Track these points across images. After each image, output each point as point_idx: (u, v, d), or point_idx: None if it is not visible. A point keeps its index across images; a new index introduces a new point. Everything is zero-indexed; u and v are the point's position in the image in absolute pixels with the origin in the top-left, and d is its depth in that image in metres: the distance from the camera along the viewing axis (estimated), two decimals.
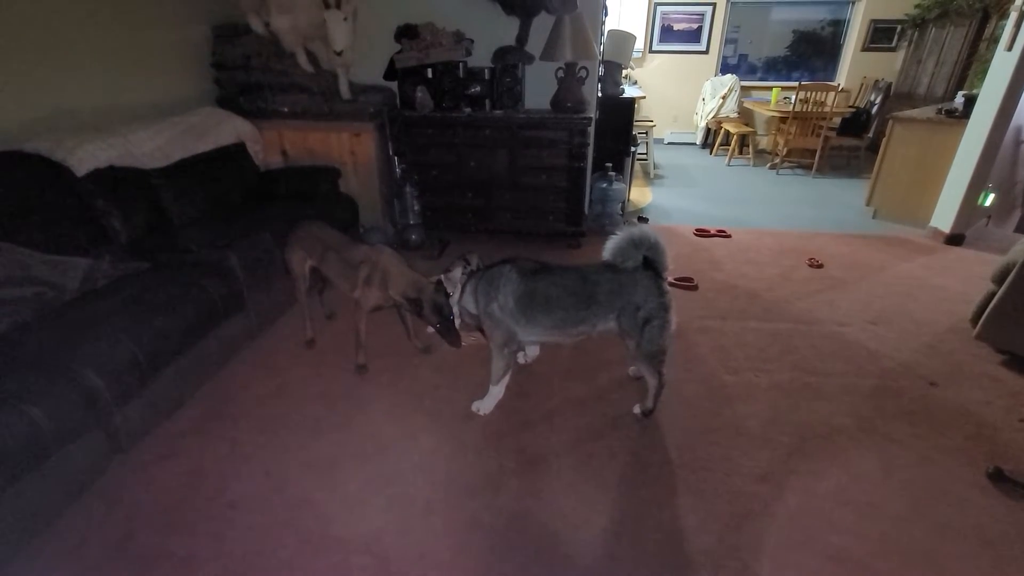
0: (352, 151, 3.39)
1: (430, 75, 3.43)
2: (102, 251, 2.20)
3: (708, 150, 7.13)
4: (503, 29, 3.49)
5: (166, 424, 1.95)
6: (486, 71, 3.45)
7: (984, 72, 3.69)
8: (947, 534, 1.56)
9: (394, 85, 3.57)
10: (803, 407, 2.09)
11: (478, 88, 3.47)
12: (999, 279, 2.35)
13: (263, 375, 2.28)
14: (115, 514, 1.61)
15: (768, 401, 2.13)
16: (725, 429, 1.98)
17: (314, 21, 3.08)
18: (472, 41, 3.49)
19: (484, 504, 1.65)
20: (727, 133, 6.66)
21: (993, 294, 2.37)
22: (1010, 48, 3.34)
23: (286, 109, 3.35)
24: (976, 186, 3.65)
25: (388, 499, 1.67)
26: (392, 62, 3.47)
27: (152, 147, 2.60)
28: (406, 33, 3.44)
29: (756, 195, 5.19)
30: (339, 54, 3.07)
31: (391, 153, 3.49)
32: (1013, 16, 3.33)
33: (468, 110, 3.45)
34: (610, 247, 1.86)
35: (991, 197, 3.76)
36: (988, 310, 2.35)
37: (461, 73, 3.43)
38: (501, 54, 3.47)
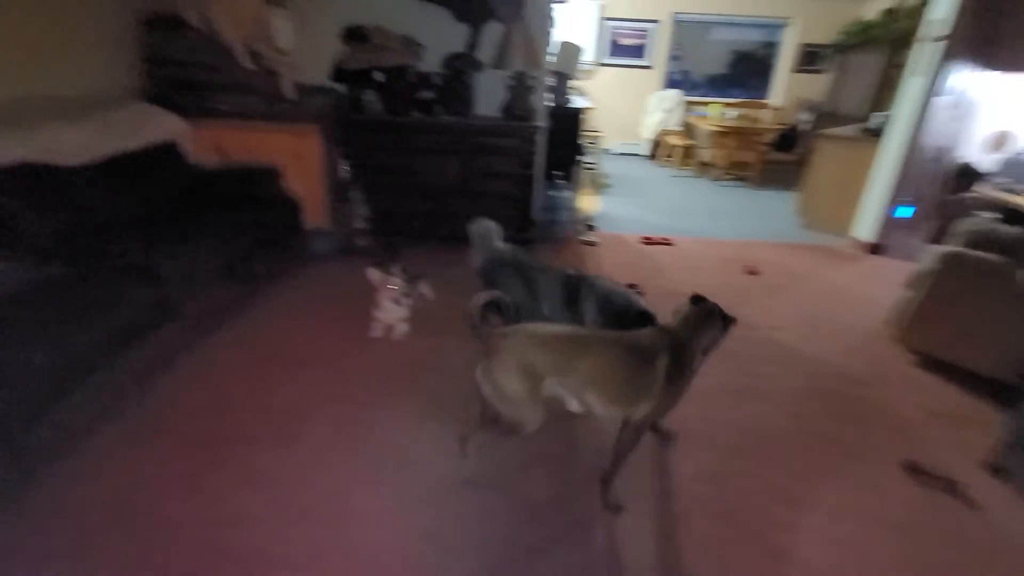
0: (296, 153, 3.28)
1: (379, 78, 3.38)
2: (15, 254, 2.00)
3: (654, 161, 7.39)
4: (454, 35, 3.49)
5: (86, 442, 1.79)
6: (437, 77, 3.43)
7: (898, 95, 4.03)
8: (872, 524, 1.67)
9: (342, 87, 3.49)
10: (742, 409, 2.19)
11: (429, 93, 3.45)
12: (911, 285, 2.56)
13: (199, 387, 2.15)
14: (27, 545, 1.46)
15: (709, 404, 2.21)
16: (678, 434, 2.03)
17: (256, 18, 2.96)
18: (423, 46, 3.47)
19: (434, 515, 1.62)
20: (672, 145, 6.93)
21: (907, 299, 2.58)
22: (918, 74, 3.67)
23: (225, 108, 3.19)
24: (891, 200, 3.96)
25: (332, 514, 1.60)
26: (339, 64, 3.39)
27: (73, 143, 2.41)
28: (354, 35, 3.38)
29: (698, 205, 5.43)
30: (283, 53, 2.96)
31: (337, 156, 3.39)
32: (918, 46, 3.66)
33: (418, 115, 3.42)
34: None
35: (912, 211, 4.10)
36: (908, 316, 2.54)
37: (411, 78, 3.40)
38: (452, 60, 3.47)
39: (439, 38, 3.48)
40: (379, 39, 3.32)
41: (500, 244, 2.38)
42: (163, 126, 2.95)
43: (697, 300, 1.73)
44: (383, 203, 3.53)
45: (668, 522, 1.63)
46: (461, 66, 3.43)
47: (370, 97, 3.34)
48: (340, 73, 3.42)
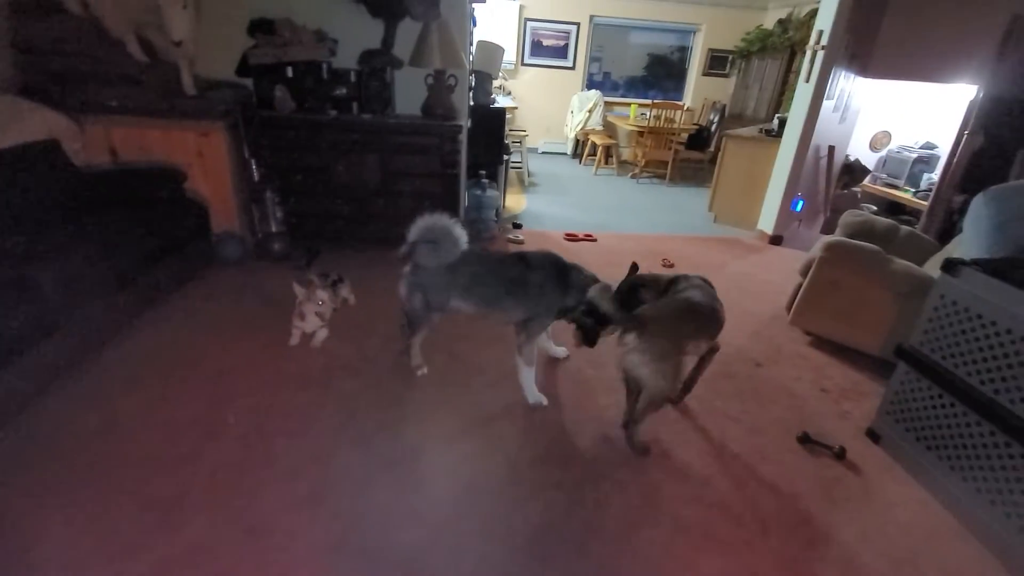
0: (200, 152, 3.06)
1: (290, 74, 3.23)
2: None
3: (578, 160, 7.60)
4: (369, 31, 3.40)
5: None
6: (352, 73, 3.34)
7: (792, 99, 4.39)
8: (770, 494, 1.81)
9: (249, 82, 3.30)
10: None
11: (344, 90, 3.34)
12: (804, 272, 2.80)
13: (88, 407, 1.96)
14: None
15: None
16: (590, 422, 2.11)
17: (146, 5, 2.74)
18: (336, 41, 3.36)
19: (352, 524, 1.58)
20: (593, 144, 7.15)
21: (801, 285, 2.82)
22: (808, 80, 4.02)
23: (115, 103, 2.93)
24: (789, 195, 4.32)
25: (243, 533, 1.52)
26: (245, 57, 3.21)
27: None
28: (261, 27, 3.21)
29: (619, 202, 5.64)
30: (178, 44, 2.76)
31: (247, 155, 3.21)
32: (808, 54, 4.00)
33: (334, 112, 3.31)
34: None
35: (801, 204, 4.48)
36: (797, 300, 2.79)
37: (325, 74, 3.28)
38: (368, 57, 3.39)
39: (353, 34, 3.38)
40: (288, 32, 3.17)
41: (465, 242, 2.07)
42: (41, 123, 2.66)
43: (635, 268, 2.18)
44: (300, 205, 3.39)
45: (590, 508, 1.69)
46: (377, 63, 3.35)
47: (281, 93, 3.19)
48: (247, 68, 3.24)
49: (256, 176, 3.24)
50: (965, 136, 3.33)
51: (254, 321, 2.62)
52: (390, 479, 1.75)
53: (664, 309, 1.88)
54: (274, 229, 3.29)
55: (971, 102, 3.36)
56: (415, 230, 2.01)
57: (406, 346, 2.29)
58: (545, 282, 2.09)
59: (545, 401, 2.16)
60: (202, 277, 3.01)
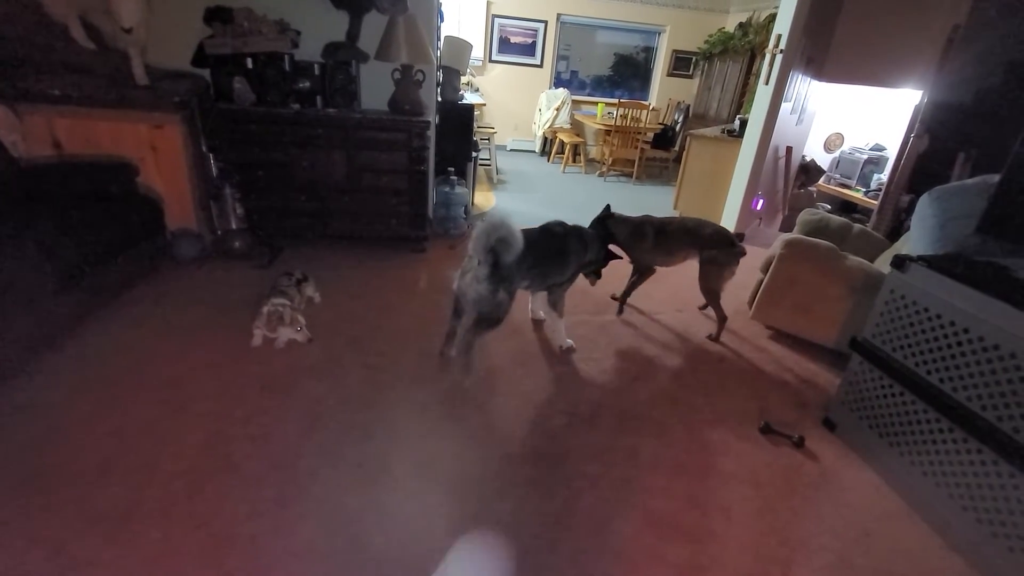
0: (153, 145, 2.92)
1: (250, 65, 3.12)
2: None
3: (546, 158, 7.63)
4: (333, 24, 3.31)
5: None
6: (316, 66, 3.24)
7: (752, 100, 4.52)
8: (732, 483, 1.86)
9: (207, 73, 3.17)
10: (625, 389, 2.34)
11: (308, 84, 3.25)
12: (764, 269, 2.90)
13: (31, 416, 1.85)
14: None
15: (596, 387, 2.34)
16: (558, 416, 2.12)
17: None
18: (299, 33, 3.26)
19: (319, 528, 1.54)
20: (561, 143, 7.19)
21: (761, 281, 2.91)
22: (767, 82, 4.14)
23: (57, 92, 2.76)
24: (750, 194, 4.45)
25: (203, 542, 1.46)
26: (202, 47, 3.08)
27: None
28: (218, 15, 3.08)
29: (587, 200, 5.69)
30: (128, 31, 2.62)
31: (204, 149, 3.08)
32: (768, 57, 4.13)
33: (297, 106, 3.21)
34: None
35: (761, 203, 4.62)
36: (758, 295, 2.88)
37: (287, 66, 3.18)
38: (332, 50, 3.30)
39: (317, 25, 3.29)
40: (247, 22, 3.06)
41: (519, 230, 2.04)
42: None
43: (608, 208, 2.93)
44: (261, 201, 3.28)
45: (560, 504, 1.70)
46: (342, 56, 3.27)
47: (240, 85, 3.07)
48: (204, 58, 3.11)
49: (215, 171, 3.12)
50: (911, 139, 3.51)
51: (213, 322, 2.52)
52: (358, 481, 1.72)
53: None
54: (234, 226, 3.18)
55: (916, 106, 3.54)
56: (482, 235, 1.97)
57: (466, 352, 2.20)
58: (577, 245, 2.49)
59: (573, 343, 2.60)
60: (156, 277, 2.88)
